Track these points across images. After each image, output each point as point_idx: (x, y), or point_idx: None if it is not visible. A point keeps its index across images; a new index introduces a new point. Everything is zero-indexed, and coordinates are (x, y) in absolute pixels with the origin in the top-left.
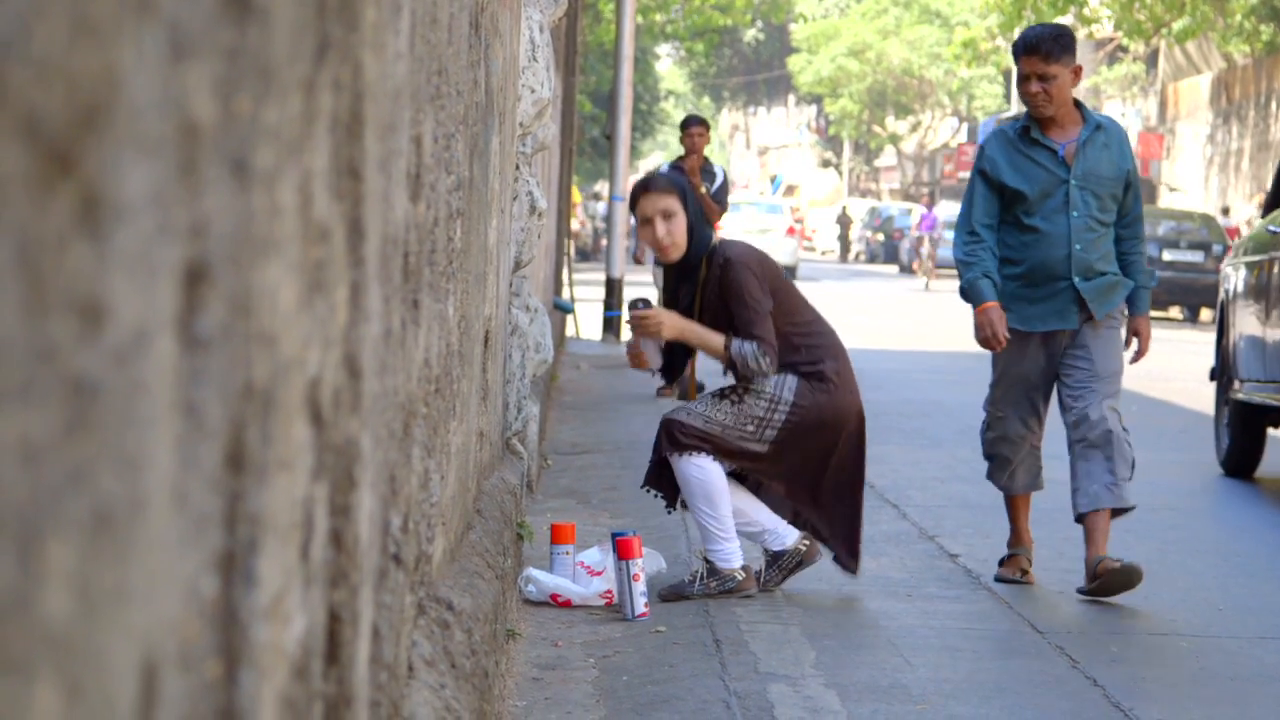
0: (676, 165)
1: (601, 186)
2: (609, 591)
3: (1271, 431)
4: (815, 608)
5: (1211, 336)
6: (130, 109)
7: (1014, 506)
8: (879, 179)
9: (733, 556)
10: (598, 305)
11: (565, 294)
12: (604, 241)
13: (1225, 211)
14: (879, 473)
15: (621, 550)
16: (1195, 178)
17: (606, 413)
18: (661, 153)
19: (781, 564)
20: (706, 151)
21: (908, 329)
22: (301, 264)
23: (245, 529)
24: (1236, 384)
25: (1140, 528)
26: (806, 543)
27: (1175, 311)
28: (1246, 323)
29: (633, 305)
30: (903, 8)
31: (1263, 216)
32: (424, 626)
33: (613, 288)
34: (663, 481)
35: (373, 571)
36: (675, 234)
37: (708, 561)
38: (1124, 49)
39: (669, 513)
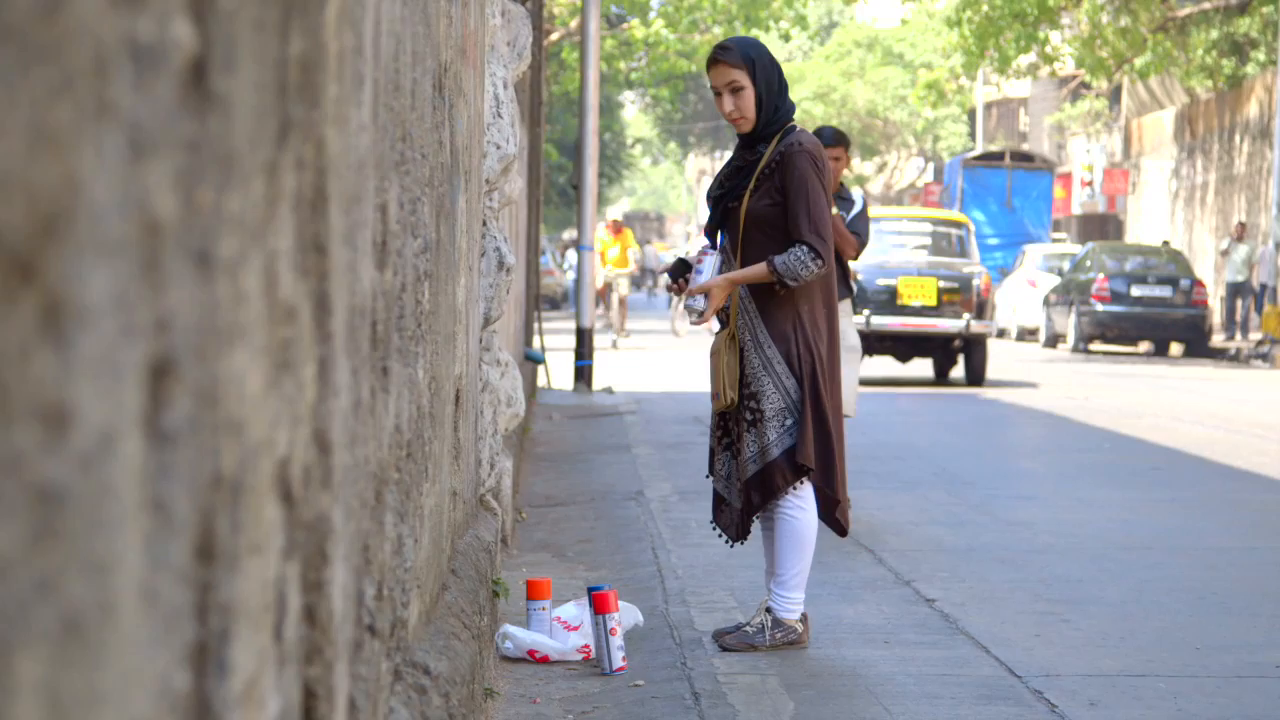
0: None
1: (569, 235)
2: (586, 646)
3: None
4: (792, 657)
5: (1184, 370)
6: (91, 213)
7: None
8: None
9: (797, 608)
10: (569, 355)
11: (536, 344)
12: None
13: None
14: (853, 516)
15: (598, 605)
16: (1161, 212)
17: (580, 463)
18: (629, 199)
19: (779, 631)
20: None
21: (876, 370)
22: (268, 346)
23: (217, 618)
24: None
25: (1116, 567)
26: (803, 625)
27: (1143, 346)
28: None
29: (690, 309)
30: (866, 50)
31: None
32: (401, 693)
33: (583, 338)
34: (721, 515)
35: (347, 644)
36: (743, 108)
37: (769, 611)
38: (1087, 86)
39: (731, 546)
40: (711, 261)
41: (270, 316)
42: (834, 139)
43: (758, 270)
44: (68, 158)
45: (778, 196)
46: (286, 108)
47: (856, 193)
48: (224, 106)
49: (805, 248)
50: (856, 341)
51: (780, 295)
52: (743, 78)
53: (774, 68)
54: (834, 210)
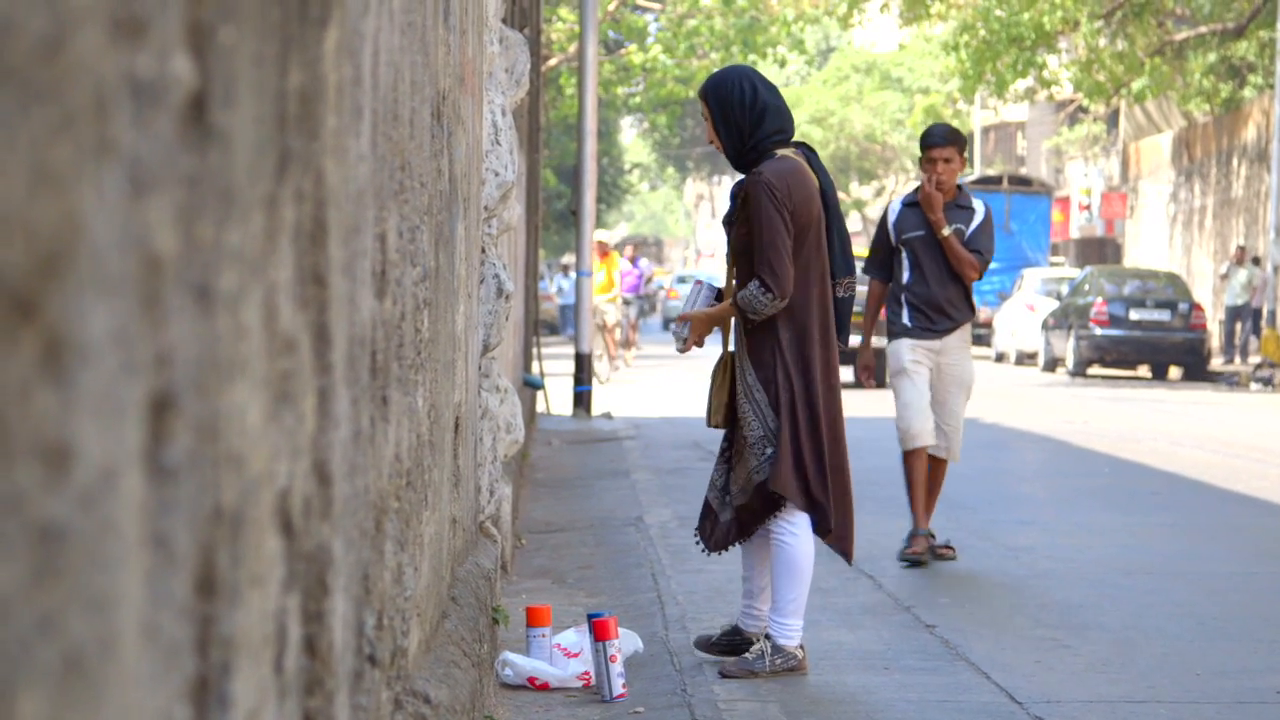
0: (911, 202)
1: (569, 259)
2: (586, 673)
3: None
4: (793, 684)
5: (1183, 394)
6: (91, 251)
7: None
8: None
9: (796, 634)
10: (568, 380)
11: (535, 369)
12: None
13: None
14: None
15: (598, 631)
16: (1159, 236)
17: (579, 489)
18: (627, 223)
19: (779, 657)
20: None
21: (873, 395)
22: (268, 379)
23: (218, 652)
24: None
25: (1116, 592)
26: (803, 651)
27: (1143, 370)
28: None
29: (676, 335)
30: (863, 74)
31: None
32: None
33: (582, 363)
34: (705, 524)
35: (348, 675)
36: (711, 136)
37: (769, 638)
38: (1085, 109)
39: (707, 555)
40: (700, 292)
41: (270, 349)
42: (946, 139)
43: (726, 309)
44: (68, 196)
45: (747, 226)
46: (286, 140)
47: (979, 202)
48: (224, 141)
49: (756, 282)
50: (967, 374)
51: (759, 323)
52: (705, 109)
53: (732, 96)
54: (947, 230)
